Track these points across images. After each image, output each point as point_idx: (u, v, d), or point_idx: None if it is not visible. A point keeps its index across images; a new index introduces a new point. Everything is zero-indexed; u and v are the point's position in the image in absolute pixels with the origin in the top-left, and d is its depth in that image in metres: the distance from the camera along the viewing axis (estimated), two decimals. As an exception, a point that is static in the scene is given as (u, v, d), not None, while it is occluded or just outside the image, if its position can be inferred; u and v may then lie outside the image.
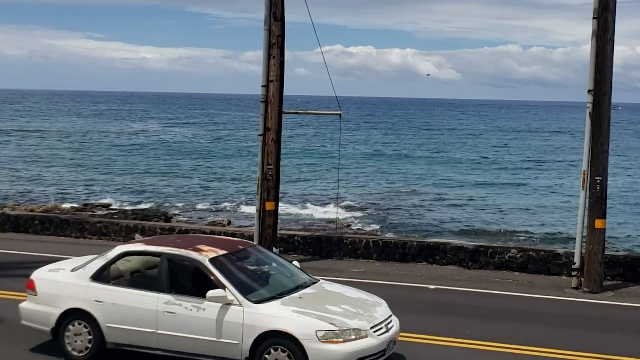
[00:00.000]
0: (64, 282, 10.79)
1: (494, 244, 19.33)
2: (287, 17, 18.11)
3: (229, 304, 9.72)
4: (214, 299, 9.68)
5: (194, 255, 10.34)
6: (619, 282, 16.58)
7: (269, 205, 17.82)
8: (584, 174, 15.90)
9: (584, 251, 15.92)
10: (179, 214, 33.60)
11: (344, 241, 19.39)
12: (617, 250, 19.70)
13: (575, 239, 16.50)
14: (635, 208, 38.71)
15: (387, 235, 25.70)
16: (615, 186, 42.13)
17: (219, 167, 57.20)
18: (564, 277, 16.80)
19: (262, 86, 17.76)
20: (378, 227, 30.87)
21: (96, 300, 10.39)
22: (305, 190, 43.76)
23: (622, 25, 16.12)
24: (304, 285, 10.69)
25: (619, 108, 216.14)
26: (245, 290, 9.97)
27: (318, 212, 34.88)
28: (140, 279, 10.87)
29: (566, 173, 55.53)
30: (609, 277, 16.47)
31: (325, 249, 19.32)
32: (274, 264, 11.33)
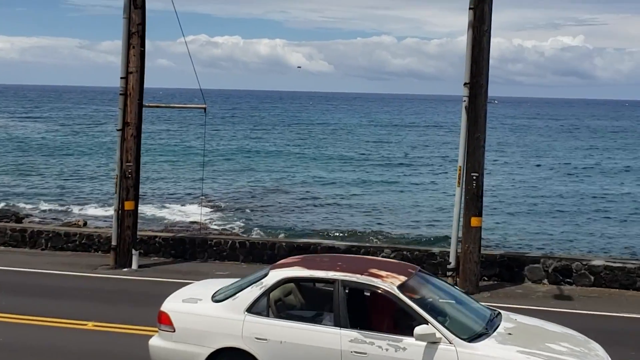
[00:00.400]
0: (210, 315, 9.00)
1: (367, 244, 18.78)
2: (148, 5, 17.48)
3: (436, 342, 8.12)
4: (421, 337, 8.05)
5: (377, 282, 8.69)
6: (496, 282, 16.53)
7: (128, 205, 17.15)
8: (459, 170, 15.61)
9: (459, 250, 15.68)
10: (31, 215, 31.78)
11: (209, 242, 18.58)
12: (494, 250, 19.40)
13: (451, 238, 16.22)
14: (513, 206, 39.47)
15: (254, 236, 25.17)
16: (492, 183, 42.96)
17: (74, 164, 54.83)
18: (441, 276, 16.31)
19: (121, 78, 17.09)
20: (245, 227, 29.97)
21: (257, 338, 8.65)
22: (167, 189, 42.56)
23: (498, 17, 16.08)
24: (495, 317, 9.13)
25: (495, 102, 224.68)
26: (451, 326, 8.39)
27: (181, 212, 33.92)
28: (309, 311, 9.19)
29: (442, 169, 56.53)
30: (485, 277, 16.40)
31: (188, 250, 18.47)
32: (446, 290, 9.57)
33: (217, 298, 9.26)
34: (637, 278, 16.04)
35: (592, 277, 16.24)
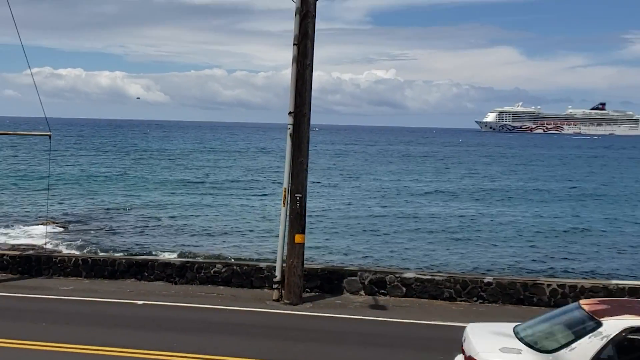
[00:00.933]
0: None
1: (200, 260, 19.39)
2: None
3: None
4: None
5: None
6: (317, 293, 17.02)
7: None
8: (284, 191, 16.14)
9: (284, 265, 16.15)
10: None
11: (54, 260, 18.62)
12: (316, 264, 20.49)
13: (277, 254, 16.60)
14: (332, 224, 40.50)
15: (95, 254, 24.86)
16: (314, 204, 43.98)
17: None
18: (266, 290, 17.09)
19: None
20: (87, 246, 29.82)
21: None
22: (14, 211, 41.06)
23: (319, 52, 16.76)
24: None
25: (317, 129, 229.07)
26: None
27: (27, 233, 33.03)
28: None
29: (269, 191, 57.41)
30: (308, 289, 16.86)
31: (34, 267, 18.40)
32: None
33: (542, 347, 8.65)
34: (445, 289, 16.55)
35: (404, 289, 16.79)
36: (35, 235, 31.72)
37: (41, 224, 33.74)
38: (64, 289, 16.73)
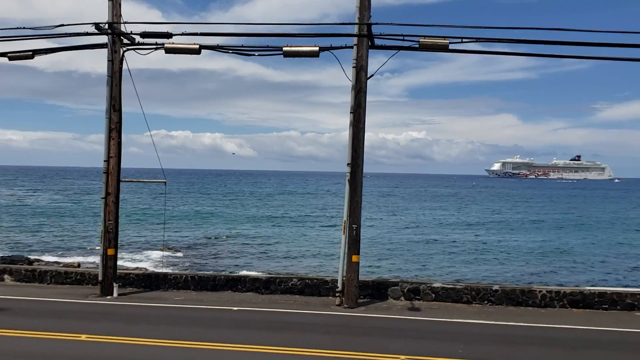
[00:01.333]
0: None
1: (281, 275, 18.90)
2: (124, 109, 17.41)
3: None
4: None
5: None
6: (369, 299, 16.69)
7: (110, 251, 16.88)
8: (344, 223, 15.87)
9: (344, 278, 15.83)
10: (39, 259, 30.35)
11: (168, 277, 18.31)
12: (367, 277, 19.91)
13: (338, 270, 16.30)
14: (380, 247, 40.27)
15: (201, 272, 24.62)
16: (366, 232, 43.56)
17: (70, 223, 52.58)
18: (330, 297, 16.72)
19: (104, 161, 16.90)
20: (194, 266, 29.78)
21: None
22: (138, 240, 41.49)
23: (369, 118, 16.62)
24: None
25: (368, 176, 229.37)
26: None
27: (148, 256, 33.25)
28: None
29: (333, 222, 57.11)
30: (362, 297, 16.49)
31: (154, 283, 18.13)
32: None
33: None
34: (463, 295, 16.37)
35: (434, 295, 16.56)
36: (154, 258, 31.91)
37: (158, 250, 33.94)
38: (177, 299, 16.49)
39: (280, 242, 42.76)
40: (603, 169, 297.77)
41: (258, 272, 26.30)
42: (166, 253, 32.92)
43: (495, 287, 16.59)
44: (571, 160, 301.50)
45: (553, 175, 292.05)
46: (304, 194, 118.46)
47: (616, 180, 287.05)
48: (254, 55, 15.62)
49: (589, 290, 16.27)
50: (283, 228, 52.41)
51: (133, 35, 16.26)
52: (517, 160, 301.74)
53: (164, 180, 18.05)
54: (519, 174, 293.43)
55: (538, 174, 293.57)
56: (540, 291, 16.30)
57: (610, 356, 11.27)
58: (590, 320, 14.55)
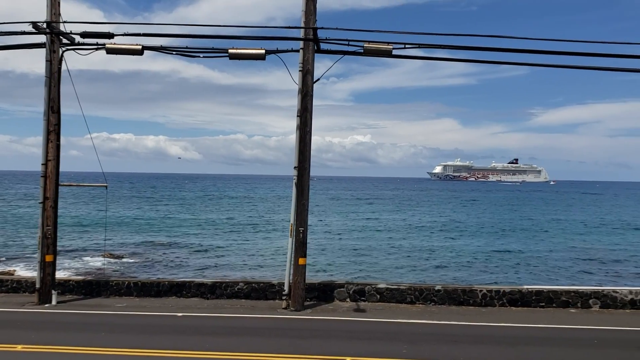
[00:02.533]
0: None
1: (227, 280, 18.63)
2: (63, 110, 16.87)
3: None
4: None
5: None
6: (315, 302, 16.70)
7: (49, 258, 16.28)
8: (291, 226, 15.83)
9: (291, 281, 15.79)
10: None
11: (110, 283, 17.70)
12: (314, 280, 19.92)
13: (285, 273, 16.22)
14: (326, 250, 40.13)
15: (144, 278, 23.97)
16: (312, 235, 43.55)
17: (5, 229, 50.34)
18: (277, 300, 16.63)
19: (42, 164, 16.31)
20: (137, 272, 28.93)
21: None
22: (78, 246, 40.01)
23: (316, 122, 16.65)
24: None
25: (315, 179, 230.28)
26: None
27: (89, 263, 32.05)
28: None
29: (280, 226, 56.81)
30: (308, 299, 16.49)
31: (95, 290, 17.53)
32: None
33: None
34: (407, 295, 16.59)
35: (379, 296, 16.69)
36: (95, 265, 30.88)
37: (100, 256, 32.92)
38: (119, 305, 15.99)
39: (227, 246, 42.18)
40: (539, 171, 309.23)
41: (203, 277, 25.81)
42: (108, 259, 31.91)
43: (438, 287, 16.88)
44: (509, 163, 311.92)
45: (492, 178, 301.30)
46: (251, 197, 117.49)
47: (552, 183, 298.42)
48: (199, 57, 15.38)
49: (527, 289, 16.75)
50: (229, 233, 51.76)
51: (73, 35, 15.71)
52: (458, 163, 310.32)
53: (106, 185, 17.56)
54: (459, 176, 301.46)
55: (477, 177, 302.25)
56: (480, 290, 16.70)
57: (548, 352, 11.66)
58: (528, 317, 15.01)
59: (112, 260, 32.78)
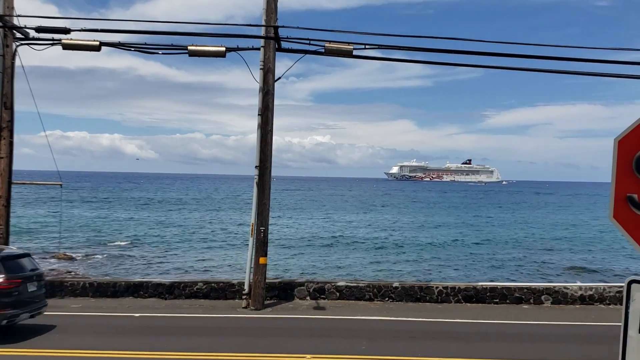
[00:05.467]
0: None
1: (185, 280, 18.42)
2: (16, 107, 16.39)
3: None
4: None
5: None
6: (275, 300, 16.63)
7: None
8: (252, 225, 15.73)
9: (251, 281, 15.67)
10: None
11: (65, 284, 17.19)
12: (274, 279, 19.86)
13: (245, 272, 16.14)
14: (287, 249, 39.87)
15: (100, 277, 23.38)
16: (273, 234, 43.22)
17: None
18: (237, 300, 16.46)
19: None
20: (93, 272, 28.15)
21: None
22: (31, 246, 38.70)
23: (277, 121, 16.56)
24: None
25: (275, 179, 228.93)
26: None
27: (45, 262, 30.98)
28: None
29: (242, 225, 56.21)
30: (268, 298, 16.42)
31: (49, 290, 16.45)
32: None
33: None
34: (366, 293, 16.71)
35: (338, 293, 16.73)
36: (49, 266, 29.92)
37: (54, 257, 31.95)
38: (74, 306, 15.58)
39: (186, 247, 41.55)
40: (492, 172, 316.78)
41: (161, 277, 25.37)
42: (62, 260, 31.00)
43: (396, 284, 17.10)
44: (463, 163, 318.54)
45: (446, 178, 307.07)
46: (211, 197, 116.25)
47: (504, 183, 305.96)
48: (157, 53, 15.14)
49: (482, 285, 17.14)
50: (188, 233, 51.00)
51: (27, 30, 15.24)
52: (414, 164, 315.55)
53: (60, 183, 17.24)
54: (415, 176, 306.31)
55: (432, 177, 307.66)
56: (437, 287, 16.96)
57: (501, 346, 11.93)
58: (482, 313, 15.34)
59: (67, 261, 31.85)
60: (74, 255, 34.11)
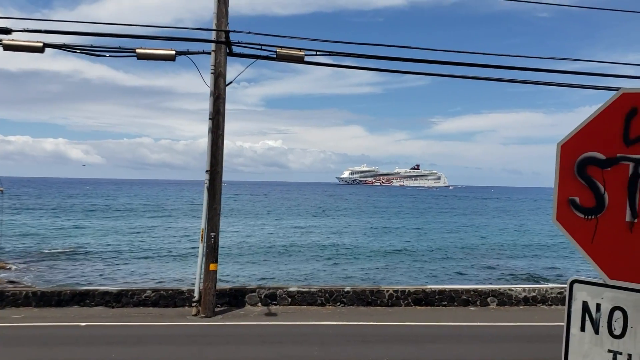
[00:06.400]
0: None
1: (133, 287, 17.93)
2: None
3: None
4: None
5: None
6: (226, 307, 16.47)
7: None
8: (202, 231, 15.49)
9: (202, 287, 15.46)
10: None
11: (6, 294, 16.43)
12: (225, 285, 19.61)
13: (195, 279, 15.86)
14: (238, 255, 39.35)
15: (44, 287, 22.55)
16: (224, 240, 42.71)
17: None
18: (187, 307, 16.19)
19: None
20: (36, 281, 27.14)
21: None
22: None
23: (227, 126, 16.36)
24: None
25: (226, 184, 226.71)
26: None
27: None
28: None
29: (191, 231, 55.32)
30: (219, 305, 16.26)
31: None
32: None
33: None
34: (318, 298, 16.71)
35: (290, 299, 16.67)
36: None
37: None
38: (15, 317, 14.94)
39: (133, 254, 40.55)
40: (439, 177, 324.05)
41: (108, 285, 24.69)
42: (3, 270, 29.75)
43: (347, 289, 17.17)
44: (411, 169, 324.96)
45: (395, 183, 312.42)
46: (158, 203, 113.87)
47: (450, 187, 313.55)
48: (104, 56, 14.74)
49: (430, 288, 17.42)
50: (136, 240, 49.80)
51: (-36, 29, 14.58)
52: (364, 168, 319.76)
53: (1, 189, 16.50)
54: (365, 181, 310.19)
55: (382, 182, 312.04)
56: (387, 291, 17.16)
57: (450, 348, 12.15)
58: (432, 316, 15.60)
59: (7, 270, 30.58)
60: (15, 264, 32.83)
